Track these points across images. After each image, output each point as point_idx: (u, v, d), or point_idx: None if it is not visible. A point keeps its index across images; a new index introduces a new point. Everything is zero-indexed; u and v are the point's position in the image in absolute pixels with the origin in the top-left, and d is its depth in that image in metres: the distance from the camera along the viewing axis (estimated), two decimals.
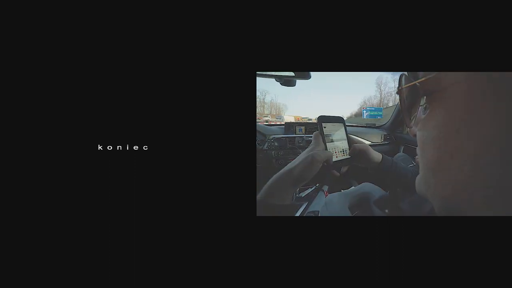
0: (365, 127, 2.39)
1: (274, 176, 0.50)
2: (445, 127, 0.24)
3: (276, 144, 1.92)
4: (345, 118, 0.69)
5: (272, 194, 0.47)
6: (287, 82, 1.08)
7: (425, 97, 0.29)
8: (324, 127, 0.60)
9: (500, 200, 0.22)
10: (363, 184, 1.17)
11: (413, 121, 0.32)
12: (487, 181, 0.22)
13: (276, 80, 1.08)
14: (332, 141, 0.61)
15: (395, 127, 2.15)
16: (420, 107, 0.31)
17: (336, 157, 0.60)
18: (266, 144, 1.92)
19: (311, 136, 0.61)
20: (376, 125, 2.39)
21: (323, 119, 0.61)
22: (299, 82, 1.12)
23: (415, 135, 0.31)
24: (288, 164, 0.53)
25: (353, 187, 1.25)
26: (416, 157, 0.32)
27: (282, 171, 0.51)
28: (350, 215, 0.96)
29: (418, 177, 0.31)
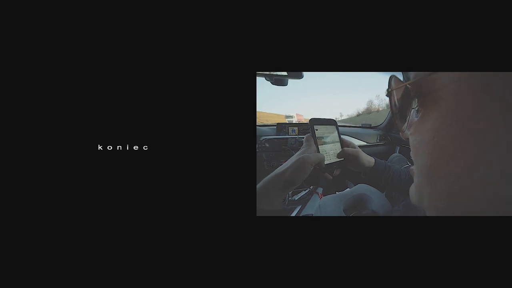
0: (360, 127, 2.38)
1: (264, 180, 0.51)
2: (439, 131, 0.24)
3: (267, 145, 1.88)
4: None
5: (260, 198, 0.47)
6: (279, 81, 1.07)
7: (416, 99, 0.28)
8: (316, 130, 0.62)
9: (499, 212, 0.21)
10: (358, 185, 1.18)
11: (405, 125, 0.31)
12: (485, 192, 0.21)
13: (266, 79, 1.07)
14: (324, 143, 0.63)
15: (391, 127, 2.15)
16: (412, 110, 0.30)
17: (329, 159, 0.62)
18: (257, 146, 1.87)
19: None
20: (372, 126, 2.39)
21: (315, 121, 0.63)
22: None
23: (408, 139, 0.31)
24: (278, 167, 0.54)
25: (348, 189, 1.27)
26: (412, 167, 0.31)
27: (272, 174, 0.52)
28: None
29: (412, 186, 0.30)
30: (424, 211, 0.28)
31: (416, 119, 0.29)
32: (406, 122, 0.31)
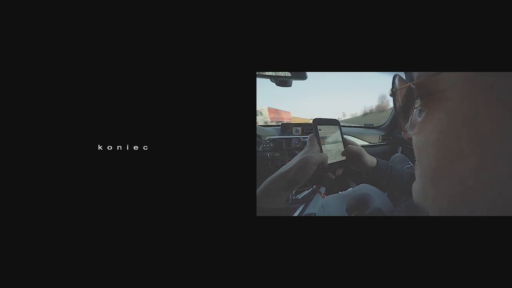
0: (363, 127, 2.39)
1: (268, 179, 0.51)
2: (444, 132, 0.23)
3: (271, 145, 1.90)
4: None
5: (264, 198, 0.48)
6: (283, 83, 1.08)
7: (419, 99, 0.27)
8: (319, 130, 0.62)
9: (503, 213, 0.20)
10: (360, 185, 1.18)
11: (407, 125, 0.31)
12: (490, 193, 0.20)
13: (272, 81, 1.08)
14: (327, 143, 0.63)
15: (393, 127, 2.16)
16: (415, 110, 0.29)
17: (332, 159, 0.62)
18: (261, 146, 1.90)
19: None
20: (374, 126, 2.39)
21: (318, 121, 0.63)
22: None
23: (410, 139, 0.30)
24: (282, 167, 0.54)
25: (350, 188, 1.26)
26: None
27: (275, 173, 0.52)
28: None
29: (414, 184, 0.30)
30: (427, 211, 0.27)
31: (419, 119, 0.28)
32: (409, 122, 0.31)
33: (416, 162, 0.29)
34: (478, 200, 0.21)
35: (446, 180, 0.23)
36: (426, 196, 0.27)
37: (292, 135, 2.04)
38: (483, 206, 0.21)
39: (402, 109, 0.31)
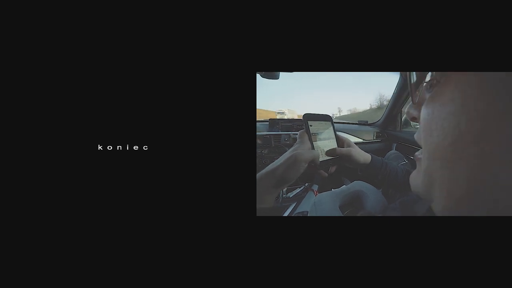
0: (357, 124, 2.41)
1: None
2: (465, 104, 0.20)
3: (259, 142, 1.87)
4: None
5: None
6: (269, 75, 1.05)
7: (430, 73, 0.25)
8: (311, 126, 0.62)
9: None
10: (354, 182, 1.19)
11: (417, 98, 0.29)
12: (490, 194, 0.19)
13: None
14: (319, 140, 0.63)
15: (388, 124, 2.18)
16: (424, 84, 0.27)
17: (324, 156, 0.62)
18: None
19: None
20: (369, 123, 2.41)
21: (309, 117, 0.62)
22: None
23: (413, 118, 0.29)
24: (270, 164, 0.53)
25: (344, 185, 1.28)
26: (418, 155, 0.29)
27: (263, 171, 0.51)
28: (341, 215, 0.99)
29: (414, 173, 0.28)
30: (424, 209, 0.26)
31: (428, 94, 0.26)
32: (417, 97, 0.29)
33: (422, 141, 0.26)
34: (478, 200, 0.20)
35: (457, 162, 0.21)
36: (433, 181, 0.24)
37: (281, 131, 2.01)
38: (483, 206, 0.20)
39: (417, 79, 0.29)
